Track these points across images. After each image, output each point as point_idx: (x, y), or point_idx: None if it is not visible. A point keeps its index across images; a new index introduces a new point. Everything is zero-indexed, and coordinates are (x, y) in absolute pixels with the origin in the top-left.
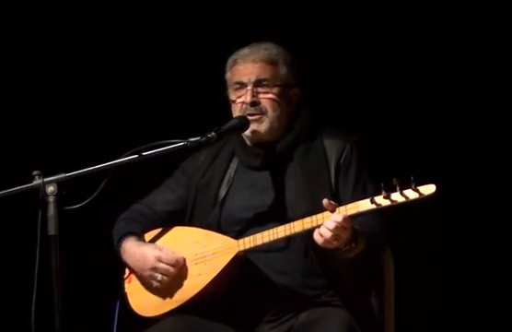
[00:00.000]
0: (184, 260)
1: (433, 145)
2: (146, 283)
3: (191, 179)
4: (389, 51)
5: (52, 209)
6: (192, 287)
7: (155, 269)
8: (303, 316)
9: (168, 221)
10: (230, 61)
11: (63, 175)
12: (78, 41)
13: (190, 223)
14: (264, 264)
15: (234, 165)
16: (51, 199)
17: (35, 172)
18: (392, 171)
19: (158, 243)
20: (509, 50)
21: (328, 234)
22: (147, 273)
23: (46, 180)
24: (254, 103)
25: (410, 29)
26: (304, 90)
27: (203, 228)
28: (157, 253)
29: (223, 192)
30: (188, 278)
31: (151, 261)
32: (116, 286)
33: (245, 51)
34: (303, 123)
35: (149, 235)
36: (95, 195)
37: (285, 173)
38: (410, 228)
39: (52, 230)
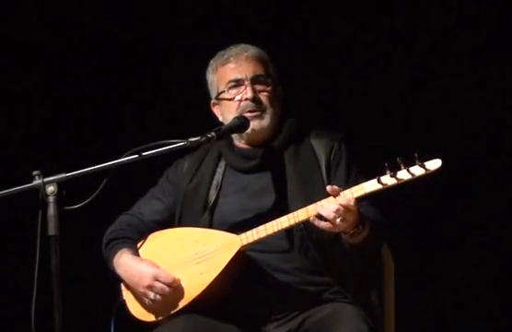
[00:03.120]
0: (179, 280)
1: (423, 139)
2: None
3: (177, 186)
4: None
5: (51, 209)
6: (195, 287)
7: (150, 287)
8: (311, 314)
9: (155, 230)
10: (220, 60)
11: (63, 175)
12: (78, 41)
13: None
14: (265, 264)
15: (221, 169)
16: (51, 199)
17: (35, 172)
18: (381, 163)
19: (155, 247)
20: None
21: (336, 220)
22: (141, 290)
23: (46, 180)
24: (255, 99)
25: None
26: (286, 91)
27: None
28: (154, 271)
29: (212, 196)
30: (190, 279)
31: (147, 279)
32: (115, 286)
33: (235, 49)
34: (291, 123)
35: (144, 241)
36: (95, 195)
37: (276, 175)
38: (409, 226)
39: (51, 230)
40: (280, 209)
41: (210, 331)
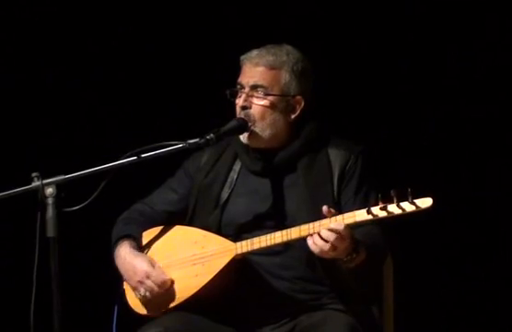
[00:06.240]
0: (172, 282)
1: (438, 154)
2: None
3: (193, 180)
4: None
5: (50, 211)
6: (188, 287)
7: (141, 283)
8: (303, 319)
9: (168, 221)
10: (241, 59)
11: (62, 177)
12: (78, 42)
13: (190, 224)
14: (263, 268)
15: (237, 168)
16: (49, 201)
17: (34, 174)
18: (398, 181)
19: (157, 242)
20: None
21: (326, 247)
22: (133, 284)
23: (45, 182)
24: (244, 108)
25: (418, 37)
26: (311, 99)
27: (203, 229)
28: (147, 268)
29: (225, 194)
30: (185, 279)
31: (139, 275)
32: (115, 287)
33: (253, 52)
34: (309, 133)
35: (149, 234)
36: (94, 196)
37: (288, 182)
38: (410, 233)
39: (50, 231)
40: (285, 217)
41: (201, 330)
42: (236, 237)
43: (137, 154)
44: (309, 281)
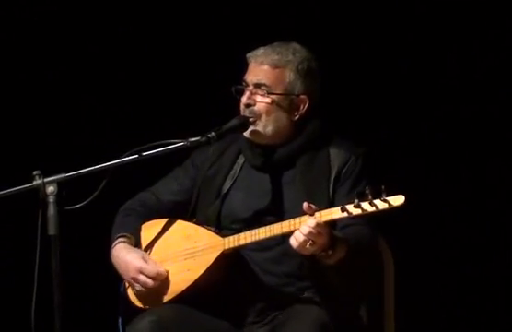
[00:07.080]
0: (167, 273)
1: (438, 154)
2: None
3: (198, 171)
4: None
5: (52, 209)
6: (181, 281)
7: (134, 279)
8: (281, 314)
9: (173, 211)
10: (247, 56)
11: (63, 175)
12: (78, 41)
13: (193, 214)
14: (255, 262)
15: (241, 162)
16: (51, 199)
17: (35, 172)
18: (398, 181)
19: (155, 235)
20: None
21: (301, 238)
22: (128, 280)
23: (46, 180)
24: (248, 105)
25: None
26: (315, 99)
27: (203, 220)
28: (139, 264)
29: (226, 186)
30: (178, 273)
31: (132, 271)
32: (116, 285)
33: (259, 50)
34: (311, 131)
35: (149, 226)
36: (95, 195)
37: (286, 179)
38: (411, 233)
39: (52, 229)
40: (282, 214)
41: (194, 322)
42: (234, 231)
43: (138, 152)
44: (298, 278)
